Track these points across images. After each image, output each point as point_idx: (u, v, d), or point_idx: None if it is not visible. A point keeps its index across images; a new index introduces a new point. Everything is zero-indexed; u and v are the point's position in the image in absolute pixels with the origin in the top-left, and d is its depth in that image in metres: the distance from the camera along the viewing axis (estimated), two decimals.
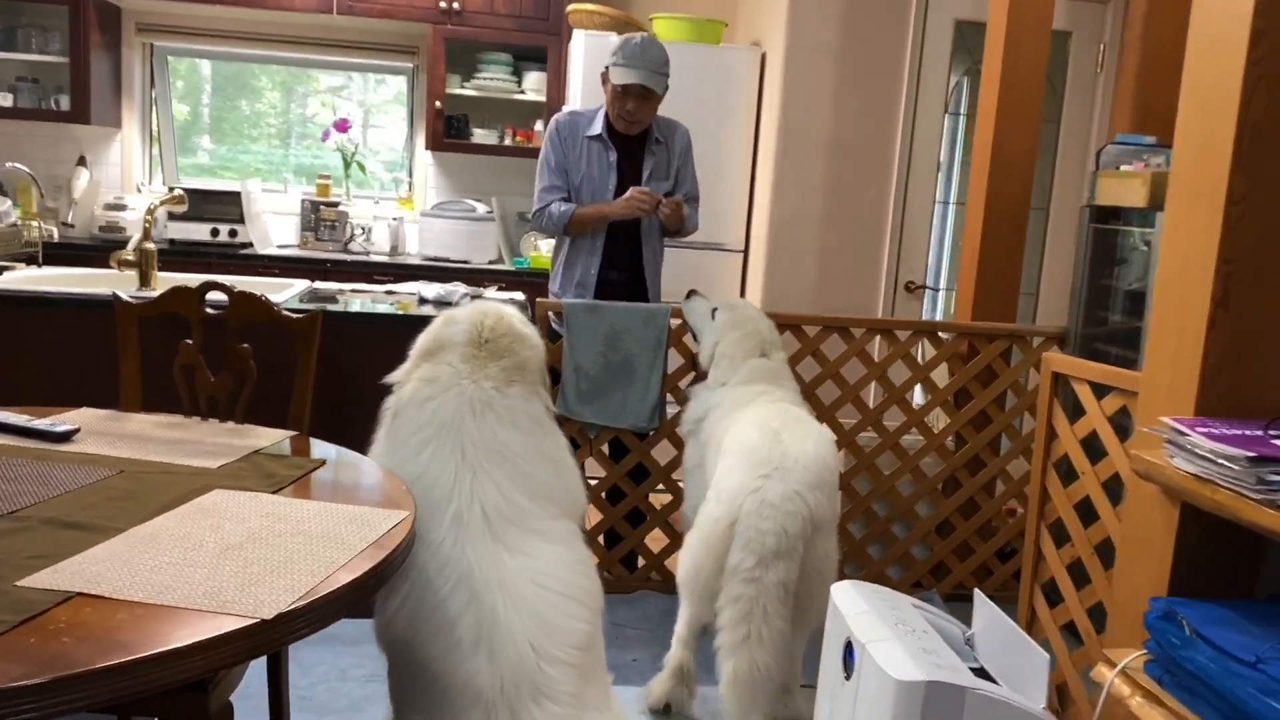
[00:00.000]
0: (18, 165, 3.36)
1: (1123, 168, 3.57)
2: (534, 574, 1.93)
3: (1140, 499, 1.92)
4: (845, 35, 4.69)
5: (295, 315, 2.43)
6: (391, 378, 2.25)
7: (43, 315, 3.11)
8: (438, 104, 5.21)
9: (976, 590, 2.08)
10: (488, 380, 2.11)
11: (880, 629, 1.88)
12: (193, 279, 3.81)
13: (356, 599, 1.49)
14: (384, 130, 5.90)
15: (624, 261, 3.77)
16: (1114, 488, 2.63)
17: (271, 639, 1.34)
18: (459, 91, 5.30)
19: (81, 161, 5.31)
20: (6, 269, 3.52)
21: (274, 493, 1.85)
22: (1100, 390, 2.63)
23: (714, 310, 3.37)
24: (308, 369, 2.43)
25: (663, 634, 3.49)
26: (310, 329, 2.42)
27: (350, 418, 2.89)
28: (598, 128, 3.70)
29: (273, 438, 2.22)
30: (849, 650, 1.92)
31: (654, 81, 3.60)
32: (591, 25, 4.94)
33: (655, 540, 3.85)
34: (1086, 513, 2.66)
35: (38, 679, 1.13)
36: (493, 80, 5.29)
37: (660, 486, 3.77)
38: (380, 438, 2.18)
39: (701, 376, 3.38)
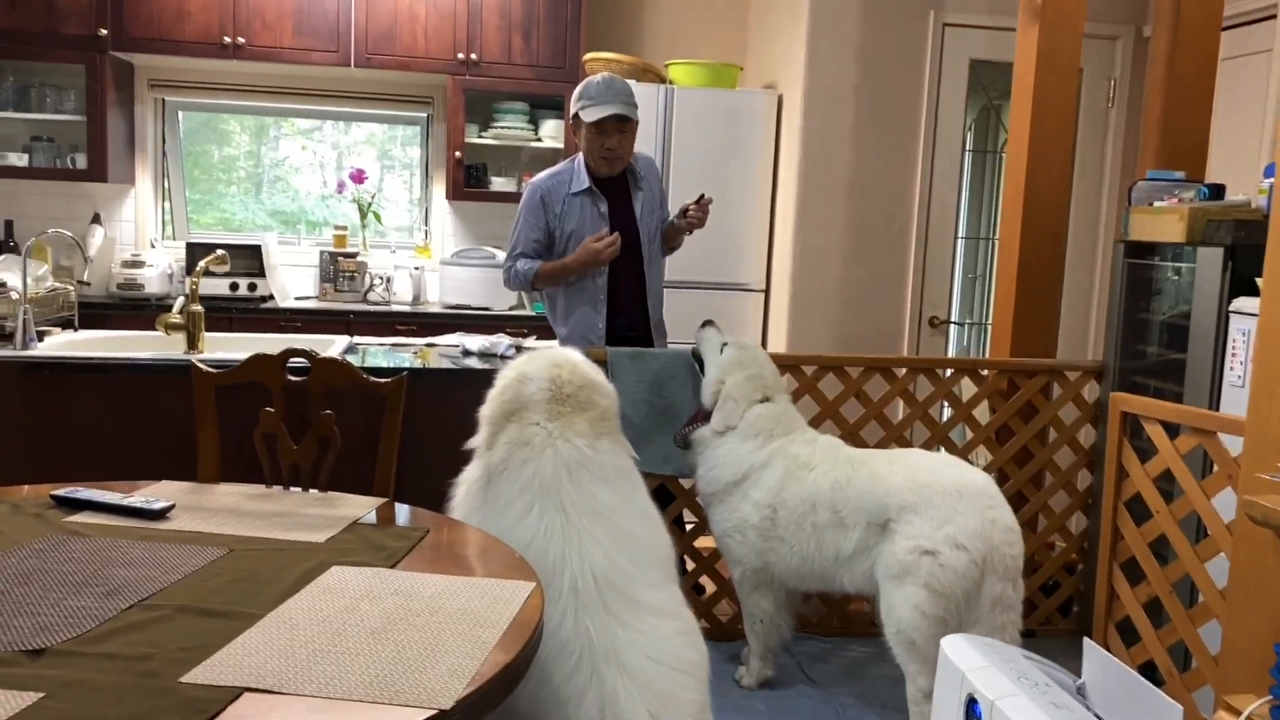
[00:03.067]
0: (62, 231, 3.32)
1: (1156, 203, 3.62)
2: (648, 649, 1.93)
3: (1252, 544, 1.93)
4: (862, 76, 4.75)
5: (382, 380, 2.41)
6: (474, 444, 2.22)
7: (99, 382, 3.07)
8: (457, 154, 5.21)
9: (1086, 639, 2.08)
10: (579, 437, 2.10)
11: (1004, 684, 1.87)
12: (233, 339, 3.80)
13: (515, 679, 1.47)
14: (371, 176, 5.83)
15: (631, 305, 3.75)
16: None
17: None
18: (476, 140, 5.31)
19: (96, 219, 5.26)
20: (46, 334, 3.47)
21: (391, 567, 1.83)
22: (1169, 428, 2.65)
23: (723, 345, 3.37)
24: (393, 433, 2.41)
25: (719, 683, 3.45)
26: (396, 393, 2.40)
27: (406, 474, 2.87)
28: (584, 181, 3.63)
29: (364, 506, 2.20)
30: (972, 707, 1.90)
31: (628, 110, 3.56)
32: (608, 73, 4.97)
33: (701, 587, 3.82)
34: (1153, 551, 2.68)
35: None
36: (510, 129, 5.31)
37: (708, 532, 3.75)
38: (468, 502, 2.15)
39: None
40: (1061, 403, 3.81)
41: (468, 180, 5.30)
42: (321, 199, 5.84)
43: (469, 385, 3.43)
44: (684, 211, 3.69)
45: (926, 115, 4.82)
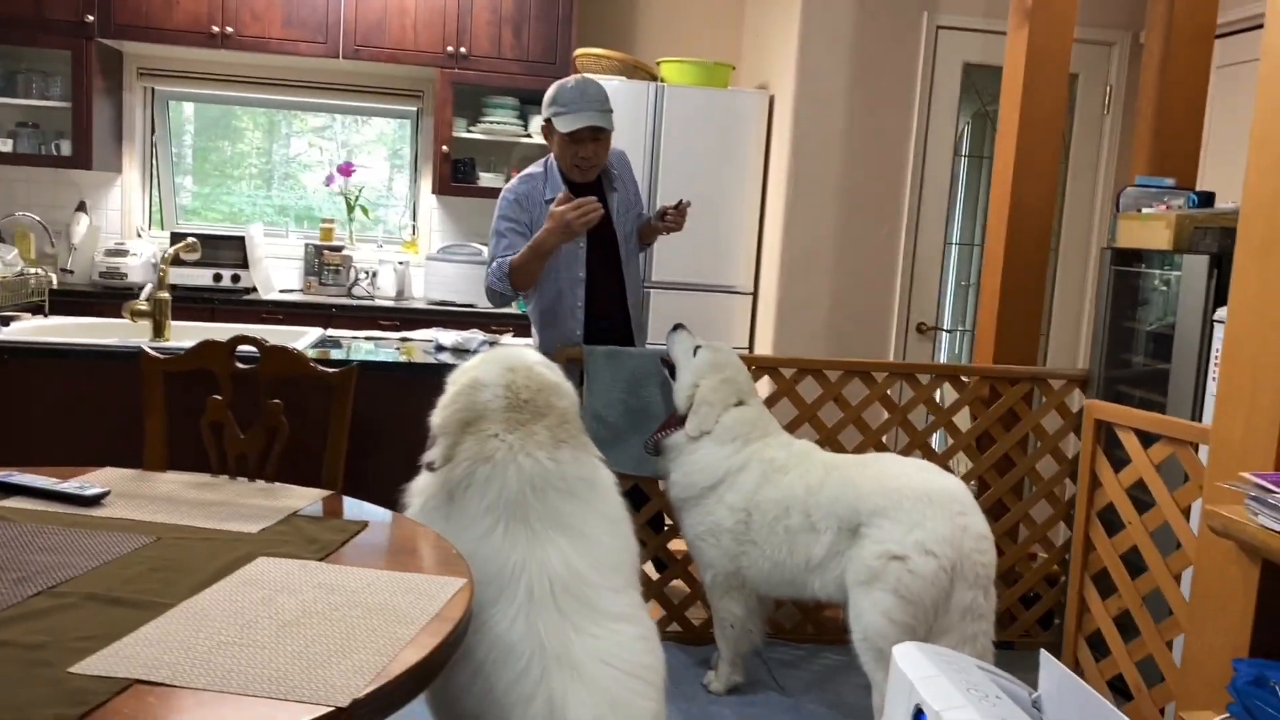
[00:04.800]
0: (29, 214, 3.28)
1: (1144, 210, 3.56)
2: (603, 654, 1.88)
3: (1214, 556, 1.87)
4: (854, 78, 4.69)
5: (330, 370, 2.36)
6: (430, 457, 2.15)
7: (57, 367, 3.03)
8: (444, 148, 5.16)
9: (1043, 650, 2.01)
10: (539, 449, 2.04)
11: (953, 695, 1.80)
12: (204, 328, 3.75)
13: (425, 678, 1.42)
14: (368, 170, 5.79)
15: (611, 308, 3.67)
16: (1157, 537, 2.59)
17: None
18: (465, 135, 5.27)
19: (81, 207, 5.23)
20: (13, 319, 3.43)
21: (321, 559, 1.77)
22: (1145, 438, 2.58)
23: (696, 348, 3.31)
24: (342, 425, 2.36)
25: (687, 688, 3.41)
26: (345, 383, 2.35)
27: (370, 471, 2.82)
28: (559, 187, 3.50)
29: (308, 498, 2.15)
30: (919, 717, 1.84)
31: (604, 120, 3.43)
32: (599, 69, 4.93)
33: (675, 590, 3.76)
34: (1128, 563, 2.61)
35: None
36: (499, 124, 5.26)
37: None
38: (425, 516, 2.08)
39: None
40: (1044, 411, 3.74)
41: (455, 175, 5.25)
42: (330, 195, 5.80)
43: (435, 379, 3.39)
44: (662, 214, 3.63)
45: (918, 119, 4.76)
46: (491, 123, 5.26)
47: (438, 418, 2.13)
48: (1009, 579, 3.84)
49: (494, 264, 3.48)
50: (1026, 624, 3.84)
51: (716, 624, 3.33)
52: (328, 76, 5.45)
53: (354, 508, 2.15)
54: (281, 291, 5.33)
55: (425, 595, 1.62)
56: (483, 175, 5.32)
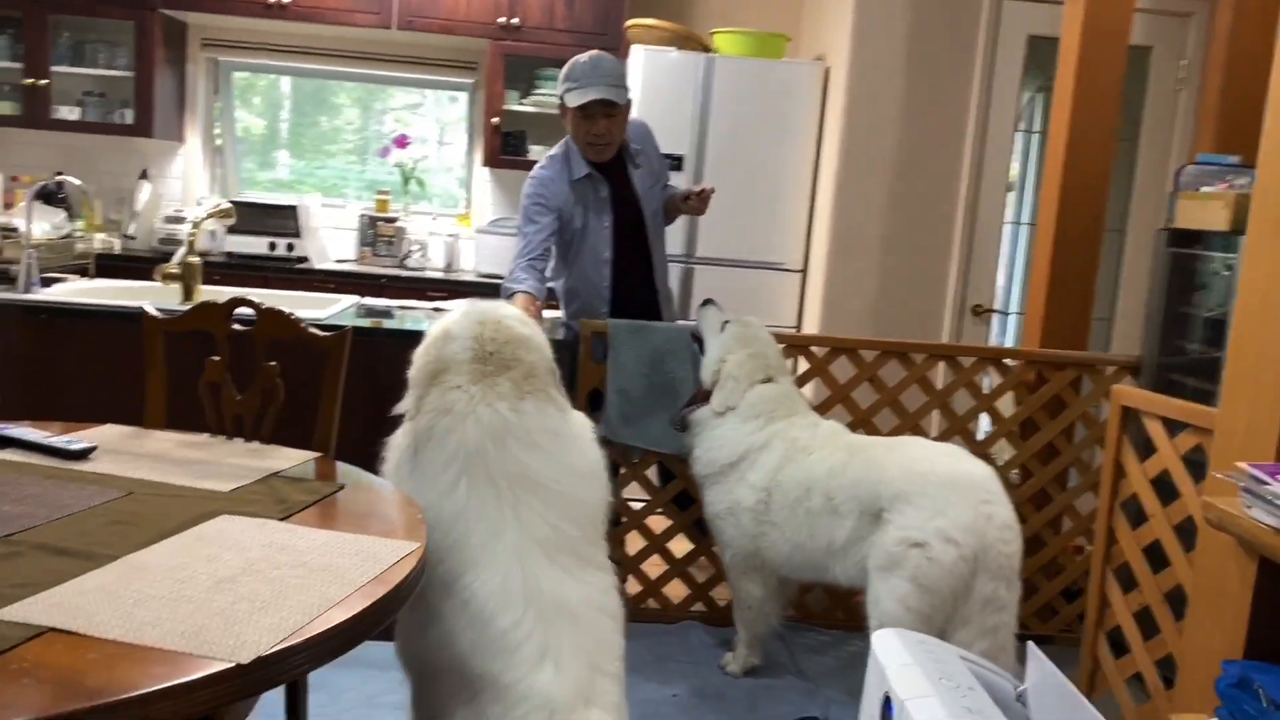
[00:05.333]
0: (69, 179, 3.37)
1: (1204, 189, 3.37)
2: (595, 602, 1.92)
3: (1213, 550, 1.76)
4: (912, 50, 4.55)
5: (322, 334, 2.36)
6: (401, 408, 2.15)
7: (79, 327, 3.11)
8: (494, 120, 5.16)
9: (1030, 643, 1.92)
10: (501, 400, 2.01)
11: (922, 684, 1.73)
12: (237, 293, 3.81)
13: (352, 638, 1.40)
14: (455, 147, 5.84)
15: (638, 284, 3.63)
16: (1187, 530, 2.45)
17: (250, 684, 1.25)
18: (517, 108, 5.25)
19: (144, 175, 5.37)
20: (56, 280, 3.53)
21: (283, 519, 1.77)
22: (1175, 427, 2.45)
23: (725, 323, 3.25)
24: (334, 389, 2.36)
25: (705, 669, 3.36)
26: (338, 348, 2.34)
27: (380, 434, 2.82)
28: (582, 168, 3.46)
29: (295, 459, 2.15)
30: (887, 706, 1.78)
31: (615, 94, 3.33)
32: (651, 40, 4.86)
33: (701, 568, 3.72)
34: (1155, 557, 2.48)
35: None
36: (551, 96, 5.22)
37: None
38: (398, 472, 2.08)
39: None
40: (1092, 399, 3.59)
41: (505, 147, 5.24)
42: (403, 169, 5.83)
43: None
44: (685, 197, 3.58)
45: (979, 93, 4.59)
46: (543, 95, 5.24)
47: (412, 369, 2.14)
48: (1051, 571, 3.70)
49: (518, 272, 3.37)
50: (1068, 618, 3.71)
51: (735, 604, 3.28)
52: (383, 48, 5.49)
53: (343, 471, 2.15)
54: (338, 261, 5.41)
55: (372, 558, 1.61)
56: (533, 148, 5.29)
